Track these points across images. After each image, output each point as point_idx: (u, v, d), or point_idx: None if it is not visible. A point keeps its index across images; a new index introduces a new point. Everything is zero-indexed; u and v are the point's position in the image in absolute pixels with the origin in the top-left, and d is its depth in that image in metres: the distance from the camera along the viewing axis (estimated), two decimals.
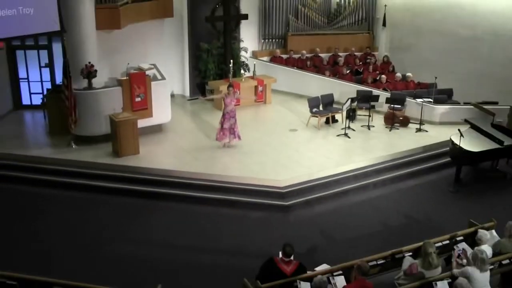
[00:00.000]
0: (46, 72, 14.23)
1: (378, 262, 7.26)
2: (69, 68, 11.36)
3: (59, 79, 13.36)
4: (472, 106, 13.57)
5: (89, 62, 11.69)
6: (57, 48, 13.70)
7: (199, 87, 15.84)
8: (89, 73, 11.71)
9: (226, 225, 9.84)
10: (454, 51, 15.87)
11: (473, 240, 7.52)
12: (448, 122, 13.64)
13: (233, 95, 11.93)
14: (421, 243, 7.11)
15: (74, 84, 11.60)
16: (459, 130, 11.09)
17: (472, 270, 6.53)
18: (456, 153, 11.23)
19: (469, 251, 7.05)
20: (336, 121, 14.07)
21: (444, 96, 14.67)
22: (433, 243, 7.12)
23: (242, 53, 16.36)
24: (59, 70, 13.15)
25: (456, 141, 11.08)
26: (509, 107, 13.12)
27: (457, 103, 14.60)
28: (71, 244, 9.05)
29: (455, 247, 7.30)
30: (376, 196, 11.07)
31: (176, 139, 12.75)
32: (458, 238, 7.74)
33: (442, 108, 14.00)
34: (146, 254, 8.83)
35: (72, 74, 11.46)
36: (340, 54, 17.68)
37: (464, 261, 6.85)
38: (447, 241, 7.71)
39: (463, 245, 7.41)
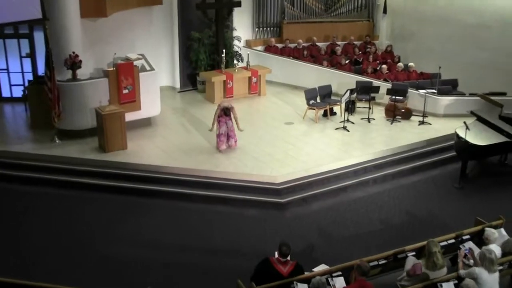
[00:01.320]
0: (27, 62, 14.07)
1: (380, 262, 7.21)
2: (52, 58, 11.24)
3: (41, 70, 13.25)
4: (478, 97, 13.48)
5: (73, 52, 11.56)
6: (39, 37, 13.53)
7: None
8: (74, 63, 11.59)
9: (219, 224, 9.81)
10: (459, 39, 15.86)
11: (480, 239, 7.47)
12: (453, 114, 13.56)
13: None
14: (425, 242, 7.03)
15: (58, 75, 11.48)
16: (464, 122, 11.02)
17: (480, 271, 6.47)
18: (461, 147, 11.17)
19: (476, 250, 7.01)
20: (335, 113, 13.97)
21: (449, 87, 14.63)
22: (438, 242, 7.04)
23: (235, 42, 16.19)
24: (41, 60, 13.03)
25: (462, 134, 11.02)
26: None
27: (463, 94, 14.55)
28: (56, 244, 8.97)
29: (461, 246, 7.24)
30: (376, 192, 11.01)
31: (166, 133, 12.66)
32: (464, 237, 7.68)
33: (446, 100, 13.91)
34: (136, 254, 8.78)
35: (55, 64, 11.35)
36: (338, 43, 17.51)
37: (471, 261, 6.81)
38: (453, 240, 7.64)
39: (470, 244, 7.35)
